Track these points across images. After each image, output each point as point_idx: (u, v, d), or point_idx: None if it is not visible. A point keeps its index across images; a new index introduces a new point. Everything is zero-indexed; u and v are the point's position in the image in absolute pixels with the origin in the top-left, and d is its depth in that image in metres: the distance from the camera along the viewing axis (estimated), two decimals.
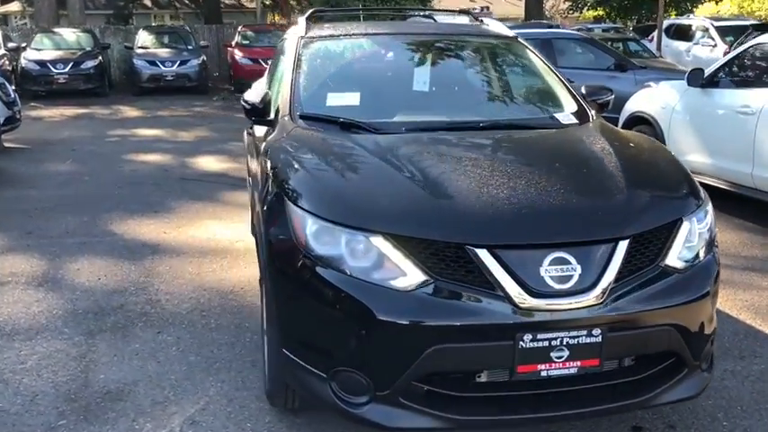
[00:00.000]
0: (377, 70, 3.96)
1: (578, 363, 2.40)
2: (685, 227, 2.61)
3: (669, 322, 2.49)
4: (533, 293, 2.34)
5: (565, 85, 3.79)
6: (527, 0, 23.06)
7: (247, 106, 3.55)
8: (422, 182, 2.67)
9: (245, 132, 5.54)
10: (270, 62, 5.31)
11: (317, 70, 3.74)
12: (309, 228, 2.53)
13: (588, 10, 28.02)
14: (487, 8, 21.68)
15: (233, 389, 3.31)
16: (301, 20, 4.22)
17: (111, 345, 3.78)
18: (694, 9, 25.52)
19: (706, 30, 16.11)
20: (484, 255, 2.35)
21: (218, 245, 5.51)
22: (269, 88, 4.40)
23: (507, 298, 2.33)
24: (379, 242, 2.41)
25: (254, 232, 5.41)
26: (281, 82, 3.86)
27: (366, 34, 4.18)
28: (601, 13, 27.25)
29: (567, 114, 3.51)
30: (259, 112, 3.53)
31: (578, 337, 2.37)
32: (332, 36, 4.04)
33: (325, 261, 2.48)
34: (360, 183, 2.73)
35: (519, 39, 4.16)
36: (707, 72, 6.36)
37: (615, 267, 2.41)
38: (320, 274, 2.47)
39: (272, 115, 3.56)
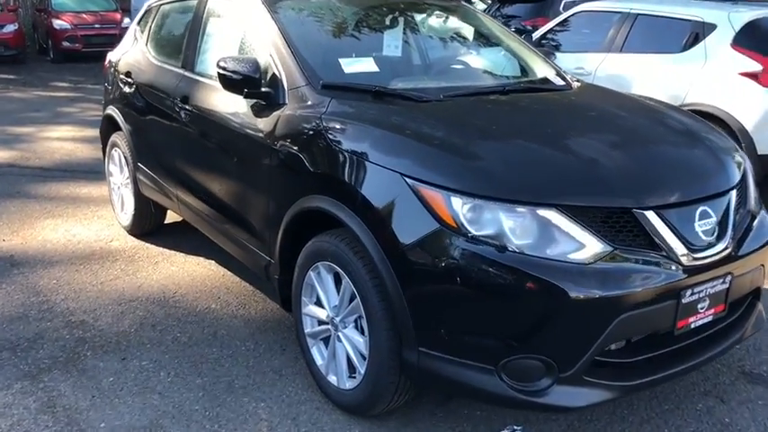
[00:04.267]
0: (369, 34, 3.56)
1: (713, 310, 2.51)
2: (750, 175, 2.86)
3: (761, 262, 2.72)
4: (693, 249, 2.38)
5: (532, 49, 3.85)
6: None
7: (236, 77, 2.94)
8: (554, 147, 2.53)
9: (113, 112, 4.66)
10: (155, 27, 4.49)
11: (308, 35, 3.23)
12: (460, 207, 2.25)
13: None
14: None
15: (285, 406, 2.84)
16: None
17: (75, 385, 2.98)
18: None
19: None
20: (652, 216, 2.32)
21: (92, 248, 4.60)
22: (195, 57, 3.77)
23: (673, 257, 2.33)
24: (551, 215, 2.24)
25: (135, 232, 4.61)
26: (249, 48, 3.30)
27: None
28: None
29: (555, 77, 3.57)
30: (256, 84, 2.99)
31: (716, 285, 2.47)
32: None
33: (485, 242, 2.23)
34: (492, 153, 2.47)
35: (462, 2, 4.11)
36: (534, 38, 6.94)
37: (731, 214, 2.56)
38: (486, 256, 2.21)
39: (264, 87, 3.04)
